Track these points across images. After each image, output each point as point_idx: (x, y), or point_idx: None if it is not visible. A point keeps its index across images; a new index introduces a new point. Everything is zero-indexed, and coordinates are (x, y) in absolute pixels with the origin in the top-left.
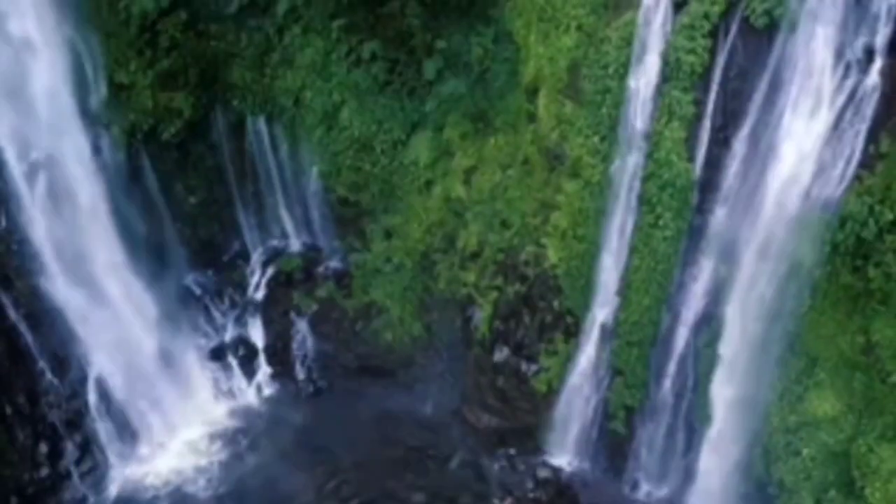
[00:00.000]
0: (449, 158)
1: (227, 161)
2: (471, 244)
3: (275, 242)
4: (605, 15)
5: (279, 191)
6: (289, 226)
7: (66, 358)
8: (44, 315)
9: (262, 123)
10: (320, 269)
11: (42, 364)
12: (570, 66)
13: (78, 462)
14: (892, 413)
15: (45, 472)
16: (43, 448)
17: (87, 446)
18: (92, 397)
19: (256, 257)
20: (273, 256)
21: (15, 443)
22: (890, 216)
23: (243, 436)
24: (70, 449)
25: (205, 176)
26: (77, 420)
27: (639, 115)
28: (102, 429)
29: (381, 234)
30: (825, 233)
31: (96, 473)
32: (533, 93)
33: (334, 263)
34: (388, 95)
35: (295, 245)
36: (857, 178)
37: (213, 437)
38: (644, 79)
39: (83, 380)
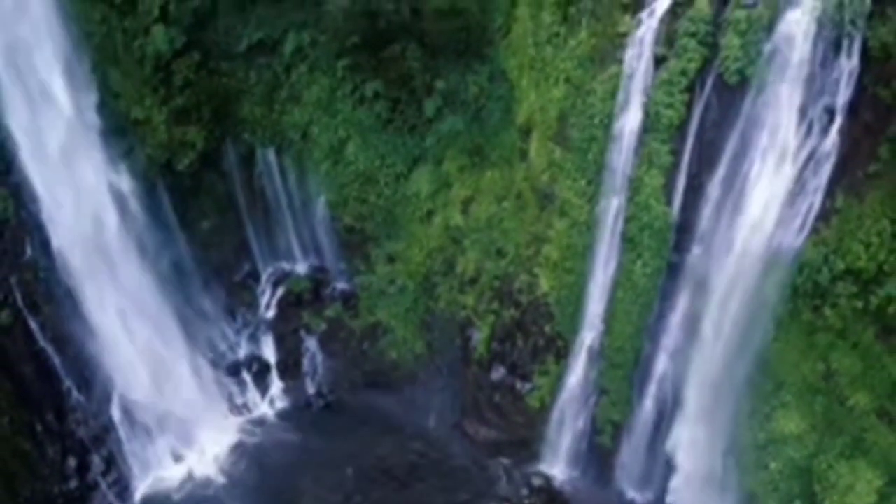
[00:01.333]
0: (448, 190)
1: (237, 188)
2: (469, 270)
3: (284, 264)
4: (592, 68)
5: (288, 216)
6: (297, 248)
7: (91, 377)
8: (69, 338)
9: (271, 154)
10: (328, 290)
11: (69, 383)
12: (559, 116)
13: (104, 474)
14: (850, 434)
15: (73, 483)
16: (71, 462)
17: (113, 459)
18: (116, 414)
19: (266, 278)
20: (282, 277)
21: (45, 457)
22: (842, 265)
23: (258, 446)
24: (97, 462)
25: (217, 202)
26: (103, 435)
27: (622, 162)
28: (126, 443)
29: (385, 258)
30: (786, 276)
31: (121, 484)
32: (526, 132)
33: (341, 285)
34: (391, 132)
35: (303, 267)
36: (815, 229)
37: (229, 449)
38: (627, 129)
39: (108, 397)
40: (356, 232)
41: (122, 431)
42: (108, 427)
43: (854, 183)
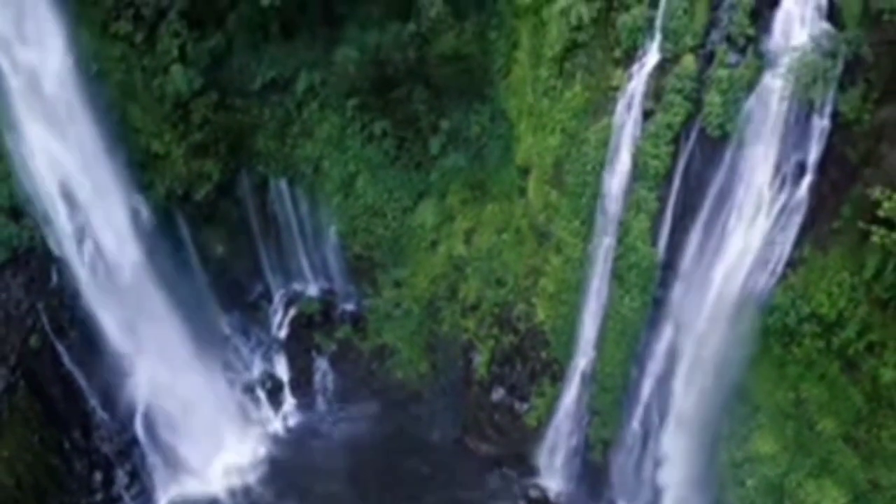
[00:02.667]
0: (451, 221)
1: (251, 214)
2: (471, 296)
3: (295, 286)
4: (585, 119)
5: (299, 241)
6: (307, 271)
7: (114, 396)
8: (94, 360)
9: (283, 184)
10: (337, 311)
11: (94, 403)
12: (555, 162)
13: (128, 487)
14: (818, 455)
15: (99, 497)
16: (97, 476)
17: (136, 473)
18: (140, 431)
19: (278, 299)
20: (293, 299)
21: (73, 472)
22: (807, 310)
23: (272, 459)
24: (121, 476)
25: (231, 227)
26: (127, 450)
27: (612, 206)
28: (149, 457)
29: (391, 283)
30: (759, 316)
31: (144, 496)
32: (524, 172)
33: (349, 307)
34: (398, 168)
35: (313, 289)
36: (784, 275)
37: (245, 461)
38: (617, 177)
39: (131, 415)
40: (364, 259)
41: (145, 447)
42: (132, 443)
43: (820, 236)
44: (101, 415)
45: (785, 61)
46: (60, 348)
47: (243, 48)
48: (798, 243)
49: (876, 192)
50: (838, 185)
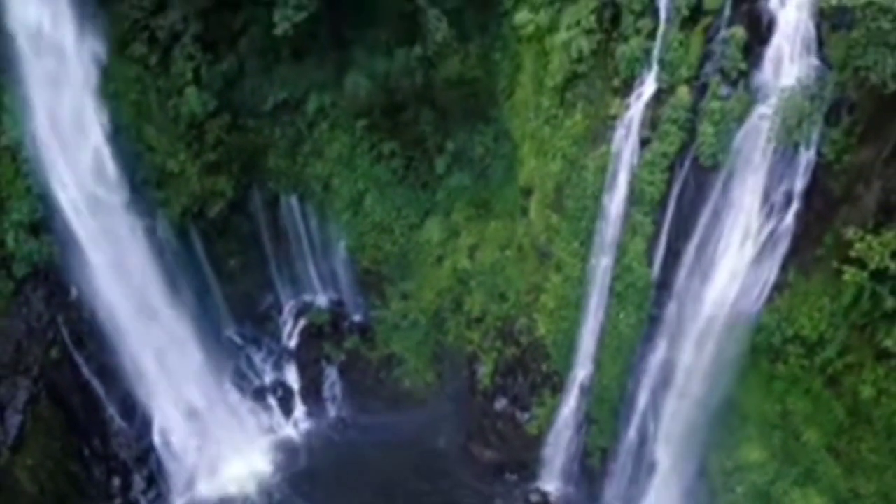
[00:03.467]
0: (456, 237)
1: (262, 228)
2: (475, 310)
3: (305, 297)
4: (585, 147)
5: (308, 255)
6: (317, 283)
7: (132, 405)
8: (111, 370)
9: (294, 200)
10: (345, 322)
11: (112, 411)
12: (556, 187)
13: (145, 492)
14: (803, 465)
15: (118, 501)
16: (116, 482)
17: (153, 479)
18: (157, 438)
19: (288, 310)
20: (303, 310)
21: (92, 478)
22: (791, 331)
23: (284, 464)
24: (138, 481)
25: (242, 240)
26: (144, 457)
27: (610, 229)
28: (165, 463)
29: (399, 296)
30: (746, 334)
31: (160, 501)
32: (526, 193)
33: (358, 317)
34: (405, 186)
35: (322, 300)
36: (770, 298)
37: (258, 467)
38: (615, 201)
39: (148, 422)
40: (372, 273)
41: (162, 453)
42: (148, 449)
43: (804, 263)
44: (119, 423)
45: (772, 102)
46: (79, 359)
47: (255, 70)
48: (784, 268)
49: (850, 233)
50: (822, 216)
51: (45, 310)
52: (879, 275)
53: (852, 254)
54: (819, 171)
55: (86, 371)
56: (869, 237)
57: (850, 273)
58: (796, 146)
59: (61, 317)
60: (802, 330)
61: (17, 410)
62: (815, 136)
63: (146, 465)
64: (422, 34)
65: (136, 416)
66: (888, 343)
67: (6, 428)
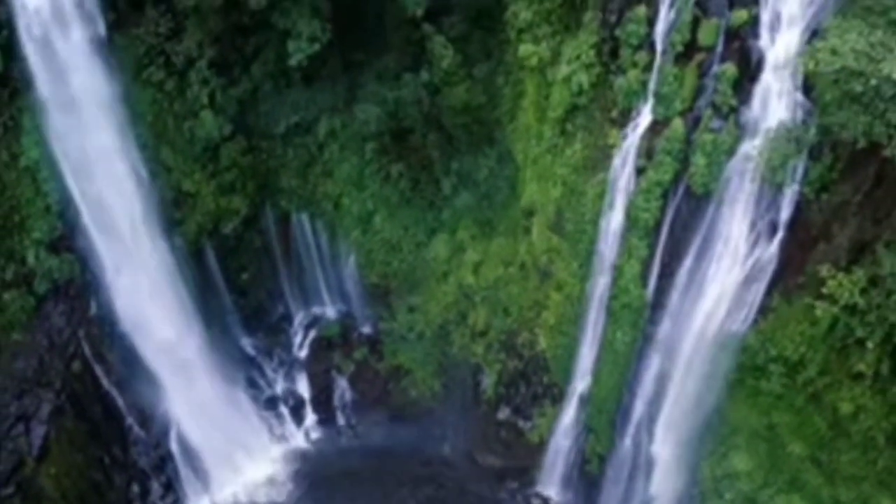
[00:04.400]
0: (461, 254)
1: (274, 243)
2: (479, 323)
3: (315, 309)
4: (584, 174)
5: (319, 269)
6: (326, 296)
7: (150, 414)
8: (130, 381)
9: (305, 218)
10: (354, 334)
11: (131, 420)
12: (556, 211)
13: (163, 498)
14: (788, 473)
15: None
16: (135, 488)
17: (170, 485)
18: (173, 445)
19: (299, 321)
20: (313, 322)
21: (113, 486)
22: (774, 352)
23: (296, 471)
24: (156, 488)
25: (254, 254)
26: (161, 464)
27: (607, 252)
28: (182, 470)
29: (406, 309)
30: (734, 353)
31: None
32: (528, 214)
33: (367, 329)
34: (413, 206)
35: (332, 312)
36: (756, 320)
37: (271, 473)
38: (612, 226)
39: (165, 431)
40: (381, 287)
41: (179, 461)
42: (166, 457)
43: (787, 289)
44: (137, 432)
45: (758, 143)
46: (99, 371)
47: (268, 95)
48: (768, 293)
49: (823, 270)
50: (805, 245)
51: (65, 325)
52: (850, 309)
53: (824, 290)
54: (802, 204)
55: (106, 382)
56: (840, 275)
57: (821, 308)
58: (781, 180)
59: (82, 331)
60: (785, 351)
61: (41, 422)
62: (799, 172)
63: (163, 472)
64: (428, 60)
65: (154, 424)
66: (861, 367)
67: (31, 439)
